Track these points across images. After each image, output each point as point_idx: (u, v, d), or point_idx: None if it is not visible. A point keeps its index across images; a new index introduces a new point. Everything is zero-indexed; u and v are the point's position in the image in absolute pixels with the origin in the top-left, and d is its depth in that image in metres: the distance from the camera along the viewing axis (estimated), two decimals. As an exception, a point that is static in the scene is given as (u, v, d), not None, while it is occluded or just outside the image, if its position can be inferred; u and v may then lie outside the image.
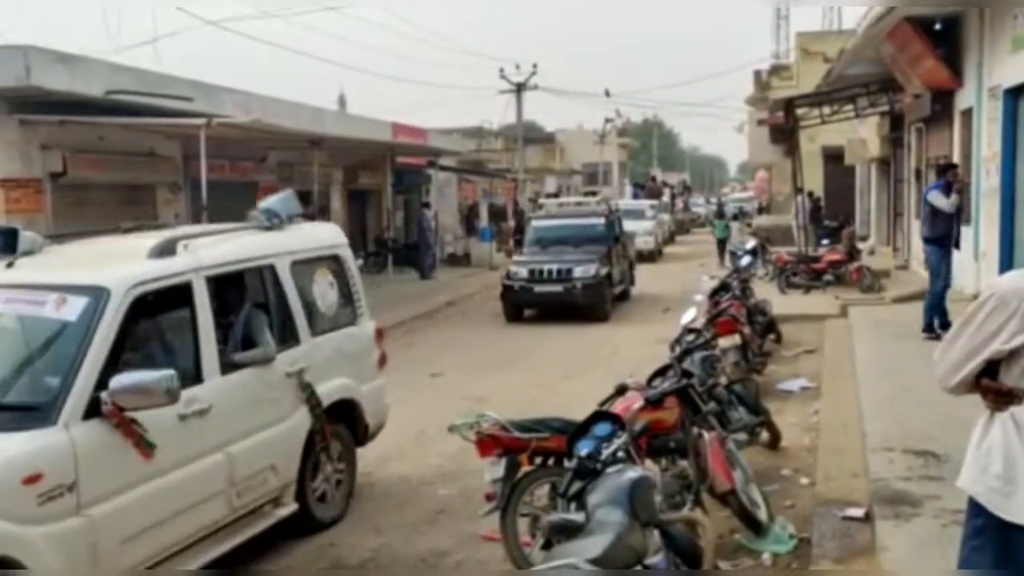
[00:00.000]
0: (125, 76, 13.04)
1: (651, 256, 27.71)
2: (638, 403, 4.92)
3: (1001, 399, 2.96)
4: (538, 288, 15.81)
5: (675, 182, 63.70)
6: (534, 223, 18.48)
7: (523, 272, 15.98)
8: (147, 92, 12.97)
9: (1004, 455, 2.93)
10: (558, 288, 15.67)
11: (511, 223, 33.69)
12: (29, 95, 12.09)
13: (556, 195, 28.91)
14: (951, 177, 11.07)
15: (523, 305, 16.26)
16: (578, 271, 15.63)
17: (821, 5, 45.60)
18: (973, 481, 3.03)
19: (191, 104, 13.58)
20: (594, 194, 22.84)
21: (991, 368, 2.99)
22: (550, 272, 15.78)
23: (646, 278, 20.77)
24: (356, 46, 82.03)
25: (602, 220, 17.54)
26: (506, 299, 16.15)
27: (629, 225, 25.52)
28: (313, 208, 17.11)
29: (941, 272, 10.95)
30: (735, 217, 36.17)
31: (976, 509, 3.05)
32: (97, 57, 13.55)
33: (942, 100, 14.57)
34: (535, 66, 35.32)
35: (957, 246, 11.64)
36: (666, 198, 43.53)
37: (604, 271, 15.87)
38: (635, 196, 41.56)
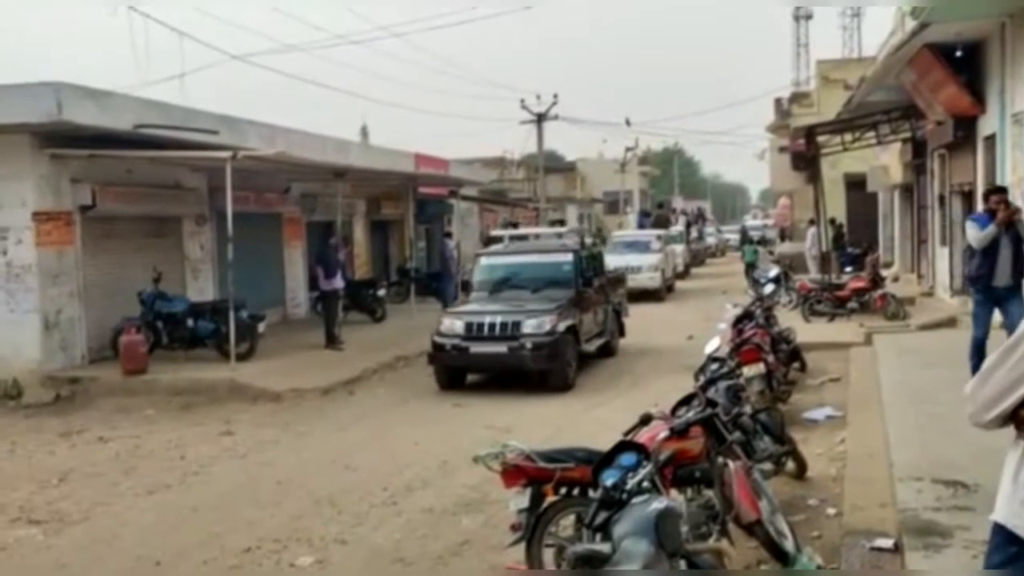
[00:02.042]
0: (152, 110, 13.30)
1: (657, 295, 24.29)
2: (663, 433, 4.92)
3: None
4: (476, 348, 12.14)
5: (689, 209, 59.79)
6: (483, 261, 14.29)
7: (458, 326, 12.34)
8: (174, 126, 13.20)
9: None
10: (501, 348, 12.04)
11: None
12: (60, 130, 12.36)
13: (514, 225, 21.92)
14: (993, 204, 9.08)
15: (458, 370, 12.65)
16: (529, 325, 11.99)
17: (846, 6, 45.65)
18: (1013, 514, 2.97)
19: (216, 137, 13.80)
20: (560, 223, 17.17)
21: None
22: (492, 327, 12.12)
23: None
24: (378, 78, 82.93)
25: (569, 258, 13.60)
26: (436, 362, 12.50)
27: (633, 260, 23.98)
28: (337, 239, 17.29)
29: (977, 317, 9.32)
30: (759, 242, 34.47)
31: (1007, 538, 3.00)
32: (125, 92, 13.83)
33: (965, 126, 14.53)
34: (556, 96, 35.62)
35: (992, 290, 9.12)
36: (680, 226, 39.40)
37: (565, 324, 12.28)
38: (641, 225, 36.85)
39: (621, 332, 15.45)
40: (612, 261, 23.36)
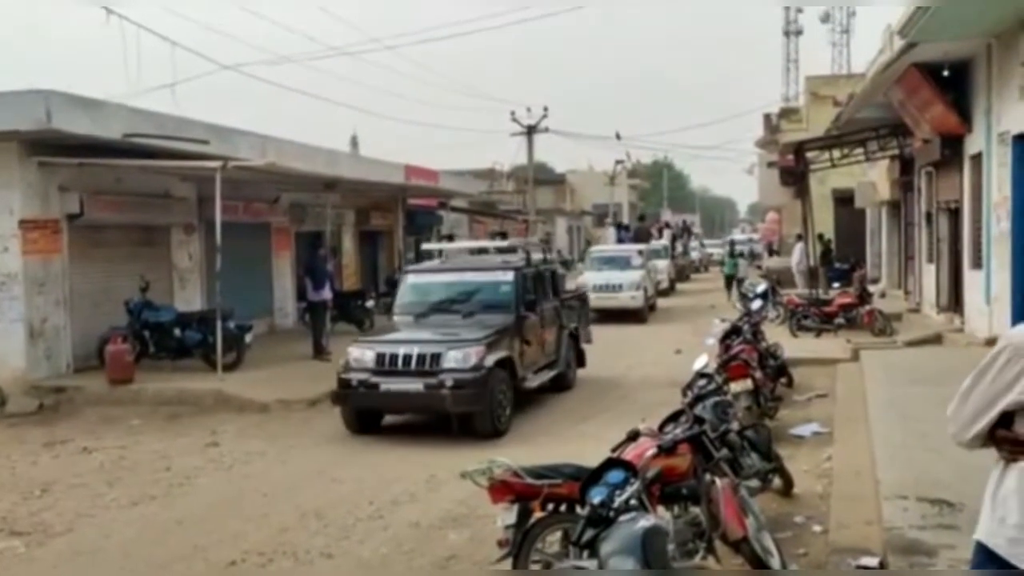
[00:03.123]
0: (143, 119, 13.29)
1: (639, 315, 22.40)
2: (651, 450, 4.92)
3: (1017, 449, 2.96)
4: (388, 385, 10.10)
5: (674, 222, 55.89)
6: (409, 280, 12.27)
7: (368, 358, 10.27)
8: (164, 135, 13.19)
9: (1020, 504, 2.92)
10: (416, 386, 9.98)
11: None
12: (49, 138, 12.32)
13: (450, 237, 19.11)
14: None
15: (369, 411, 10.61)
16: (451, 358, 9.99)
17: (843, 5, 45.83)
18: (991, 533, 3.01)
19: (207, 147, 13.79)
20: (503, 236, 13.83)
21: (1005, 419, 3.00)
22: (407, 359, 10.07)
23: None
24: (370, 89, 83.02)
25: (508, 277, 11.60)
26: (340, 403, 10.49)
27: (613, 277, 22.61)
28: (325, 249, 17.27)
29: None
30: (741, 255, 33.97)
31: (988, 556, 3.02)
32: (116, 101, 13.82)
33: (951, 145, 14.64)
34: (546, 109, 35.71)
35: None
36: (664, 240, 36.21)
37: (496, 357, 10.27)
38: (620, 239, 31.70)
39: (581, 362, 13.52)
40: (589, 279, 22.57)
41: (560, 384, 12.59)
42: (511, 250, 13.47)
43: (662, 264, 29.98)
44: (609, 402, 12.04)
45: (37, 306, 13.00)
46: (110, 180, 14.23)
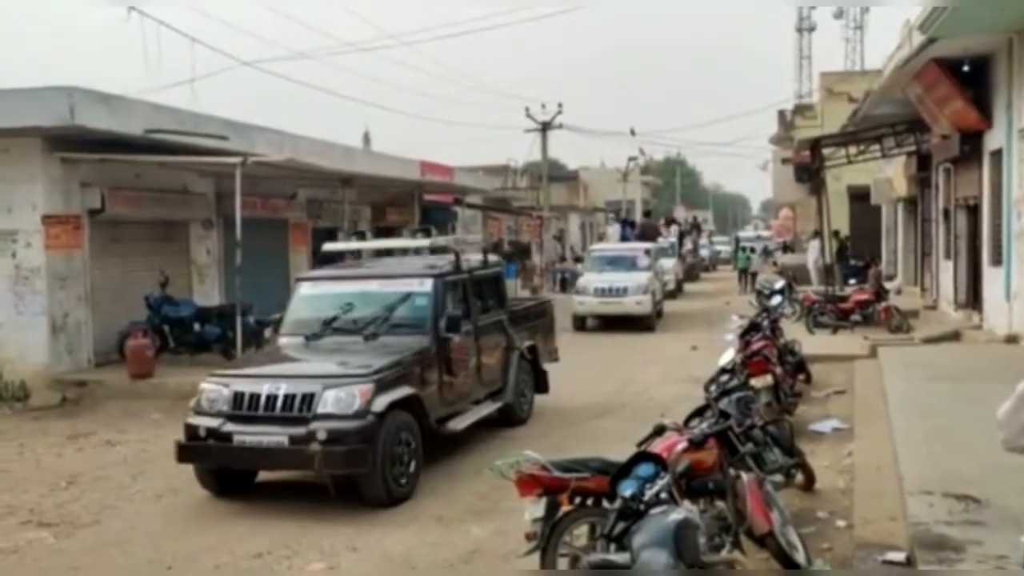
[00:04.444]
0: (163, 115, 13.38)
1: (646, 322, 19.88)
2: (682, 444, 4.95)
3: None
4: (242, 436, 7.53)
5: (682, 218, 52.02)
6: (302, 290, 9.75)
7: (223, 398, 7.80)
8: (184, 131, 13.27)
9: None
10: (278, 438, 7.43)
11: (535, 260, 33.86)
12: (71, 134, 12.42)
13: (361, 234, 13.60)
14: None
15: (221, 470, 7.97)
16: (328, 400, 7.48)
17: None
18: None
19: (225, 143, 13.86)
20: (426, 233, 11.82)
21: None
22: (271, 401, 7.59)
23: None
24: (386, 85, 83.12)
25: (425, 287, 9.04)
26: (185, 457, 7.89)
27: (617, 279, 20.02)
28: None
29: None
30: (754, 250, 35.03)
31: None
32: (136, 97, 13.91)
33: (971, 141, 14.59)
34: (560, 105, 35.68)
35: None
36: (672, 238, 33.49)
37: (392, 398, 7.68)
38: (623, 237, 27.90)
39: (541, 387, 11.04)
40: (589, 281, 20.32)
41: (509, 418, 10.11)
42: (439, 250, 10.65)
43: (669, 263, 27.76)
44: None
45: (59, 301, 13.10)
46: (130, 176, 14.33)
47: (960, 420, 8.01)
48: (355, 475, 7.45)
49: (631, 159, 53.12)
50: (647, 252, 22.15)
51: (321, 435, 7.28)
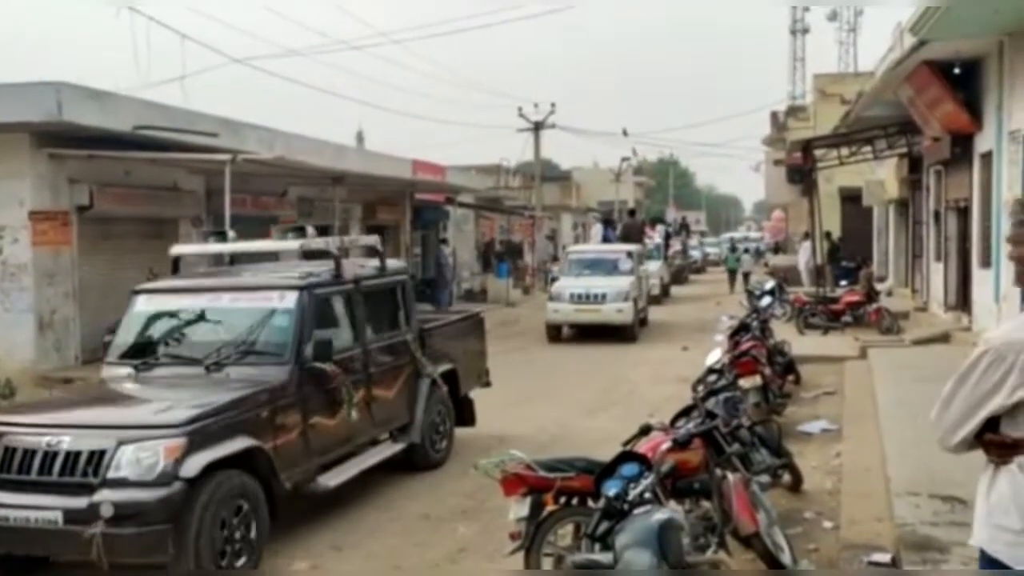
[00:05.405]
0: (153, 112, 13.30)
1: (627, 333, 18.01)
2: (666, 444, 4.93)
3: (1006, 451, 2.91)
4: (3, 510, 5.56)
5: (673, 218, 51.00)
6: (138, 304, 7.66)
7: None
8: (174, 128, 13.19)
9: (1016, 507, 2.86)
10: (51, 513, 5.49)
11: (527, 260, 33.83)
12: (59, 130, 12.34)
13: (222, 234, 9.17)
14: None
15: None
16: (122, 461, 5.55)
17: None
18: (991, 539, 2.96)
19: (216, 140, 13.79)
20: (300, 231, 8.21)
21: (991, 421, 2.95)
22: (47, 460, 5.66)
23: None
24: (377, 84, 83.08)
25: (288, 303, 7.08)
26: None
27: (595, 284, 18.13)
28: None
29: None
30: (746, 251, 36.03)
31: (990, 561, 2.98)
32: (126, 93, 13.84)
33: (961, 143, 14.61)
34: (553, 105, 35.65)
35: None
36: (658, 239, 31.53)
37: (219, 454, 5.78)
38: (605, 238, 25.99)
39: (464, 419, 9.36)
40: (565, 286, 18.51)
41: (416, 461, 8.32)
42: (318, 255, 8.18)
43: (654, 266, 25.98)
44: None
45: (47, 298, 13.02)
46: (119, 172, 14.24)
47: (948, 422, 7.99)
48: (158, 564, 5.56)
49: (624, 159, 53.14)
50: (630, 255, 20.05)
51: (106, 510, 5.32)
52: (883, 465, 7.09)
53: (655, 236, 31.66)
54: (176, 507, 5.47)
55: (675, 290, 31.04)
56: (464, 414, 9.39)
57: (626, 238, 24.06)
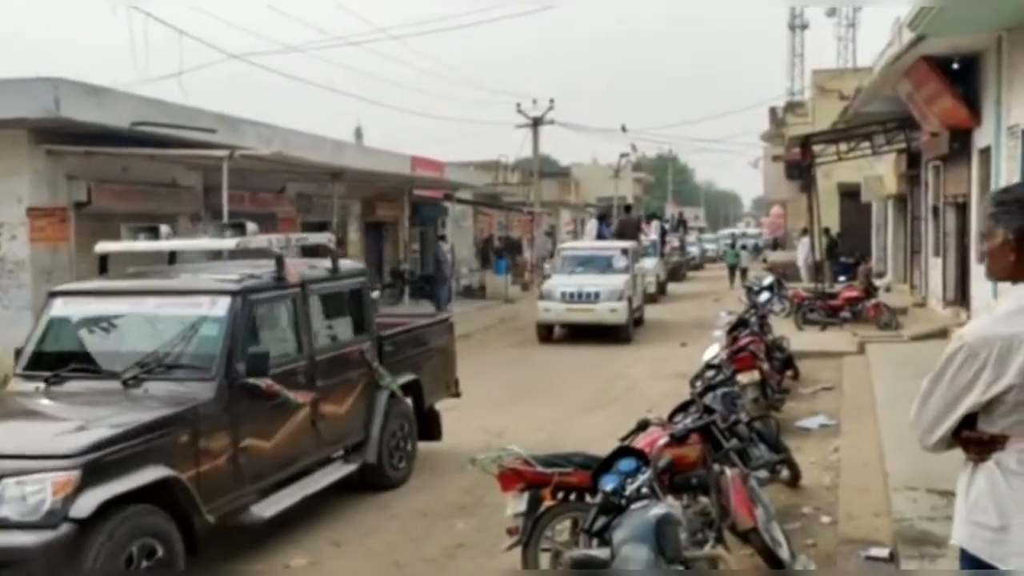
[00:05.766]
0: (151, 108, 13.28)
1: (621, 333, 17.43)
2: (664, 439, 4.93)
3: (984, 448, 2.89)
4: None
5: (669, 214, 50.24)
6: (53, 310, 6.82)
7: None
8: (172, 124, 13.17)
9: (995, 505, 2.85)
10: None
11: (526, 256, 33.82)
12: (57, 126, 12.32)
13: (154, 230, 7.94)
14: None
15: None
16: (8, 503, 4.76)
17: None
18: (970, 537, 2.95)
19: (214, 136, 13.77)
20: (239, 227, 7.20)
21: (968, 419, 2.93)
22: None
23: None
24: (376, 80, 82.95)
25: (218, 309, 6.26)
26: None
27: (588, 283, 17.54)
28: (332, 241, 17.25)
29: None
30: (744, 247, 36.91)
31: (972, 560, 2.97)
32: (124, 90, 13.82)
33: (960, 138, 14.60)
34: (552, 101, 35.61)
35: None
36: (654, 235, 31.04)
37: (123, 488, 4.96)
38: (599, 235, 25.20)
39: (430, 433, 8.73)
40: (556, 284, 17.90)
41: (376, 481, 7.68)
42: (261, 254, 7.32)
43: (650, 264, 25.45)
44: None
45: (45, 294, 12.97)
46: (117, 169, 14.22)
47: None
48: None
49: (623, 155, 53.12)
50: (625, 252, 19.32)
51: None
52: (881, 460, 7.10)
53: (651, 232, 31.12)
54: (64, 553, 4.67)
55: (673, 287, 30.65)
56: (430, 428, 8.68)
57: (621, 235, 23.60)
